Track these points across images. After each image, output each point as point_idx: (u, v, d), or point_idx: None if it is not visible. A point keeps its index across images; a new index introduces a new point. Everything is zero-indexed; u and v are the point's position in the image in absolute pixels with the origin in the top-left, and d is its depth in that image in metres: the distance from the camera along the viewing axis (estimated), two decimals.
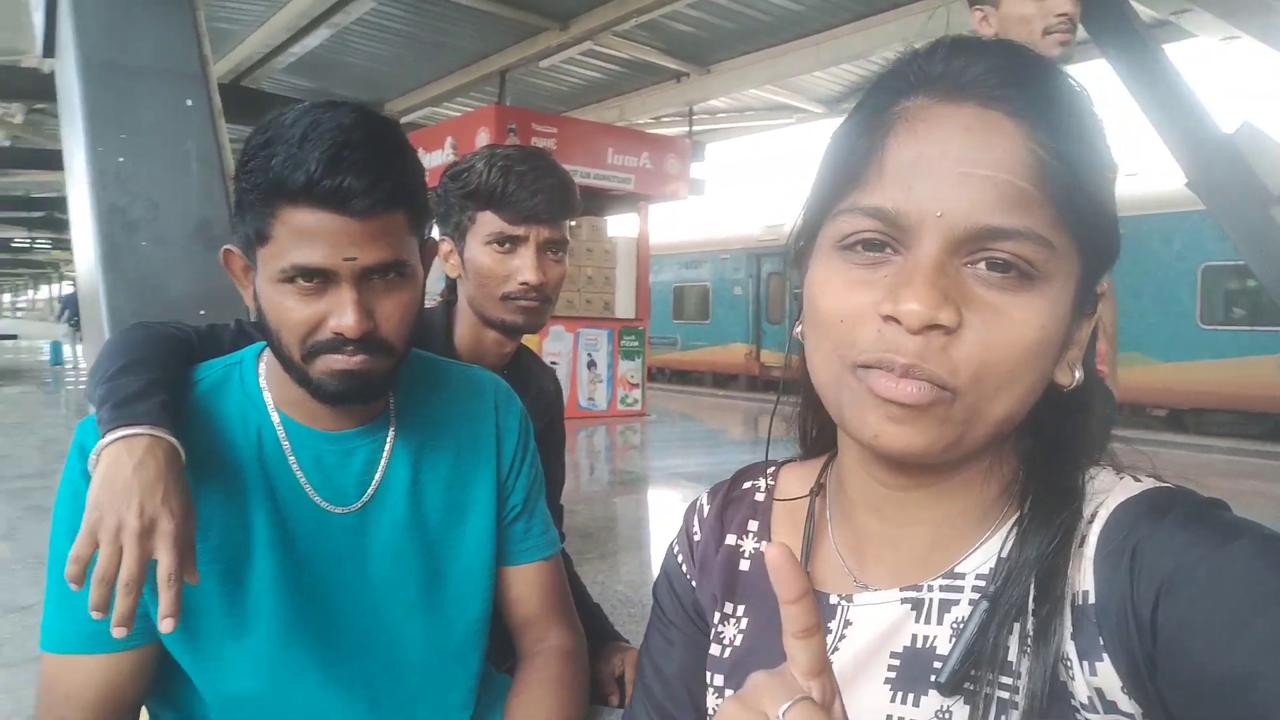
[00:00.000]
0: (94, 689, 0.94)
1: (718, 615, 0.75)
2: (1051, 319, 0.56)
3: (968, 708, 0.57)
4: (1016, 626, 0.57)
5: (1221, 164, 5.96)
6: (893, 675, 0.62)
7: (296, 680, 1.01)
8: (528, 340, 1.66)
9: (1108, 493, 0.59)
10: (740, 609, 0.74)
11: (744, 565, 0.76)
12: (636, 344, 10.74)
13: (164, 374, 1.00)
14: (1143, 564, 0.53)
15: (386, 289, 0.95)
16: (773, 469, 0.80)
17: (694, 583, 0.79)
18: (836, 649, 0.65)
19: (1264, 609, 0.47)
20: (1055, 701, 0.55)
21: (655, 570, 0.86)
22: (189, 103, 2.35)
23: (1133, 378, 10.22)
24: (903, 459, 0.59)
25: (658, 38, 8.92)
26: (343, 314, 0.91)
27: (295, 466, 1.03)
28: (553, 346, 9.73)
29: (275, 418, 1.04)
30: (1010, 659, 0.57)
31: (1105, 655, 0.54)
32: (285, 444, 1.03)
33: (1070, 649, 0.55)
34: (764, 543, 0.75)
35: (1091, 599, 0.55)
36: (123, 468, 0.87)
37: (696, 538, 0.80)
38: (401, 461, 1.09)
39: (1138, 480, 0.59)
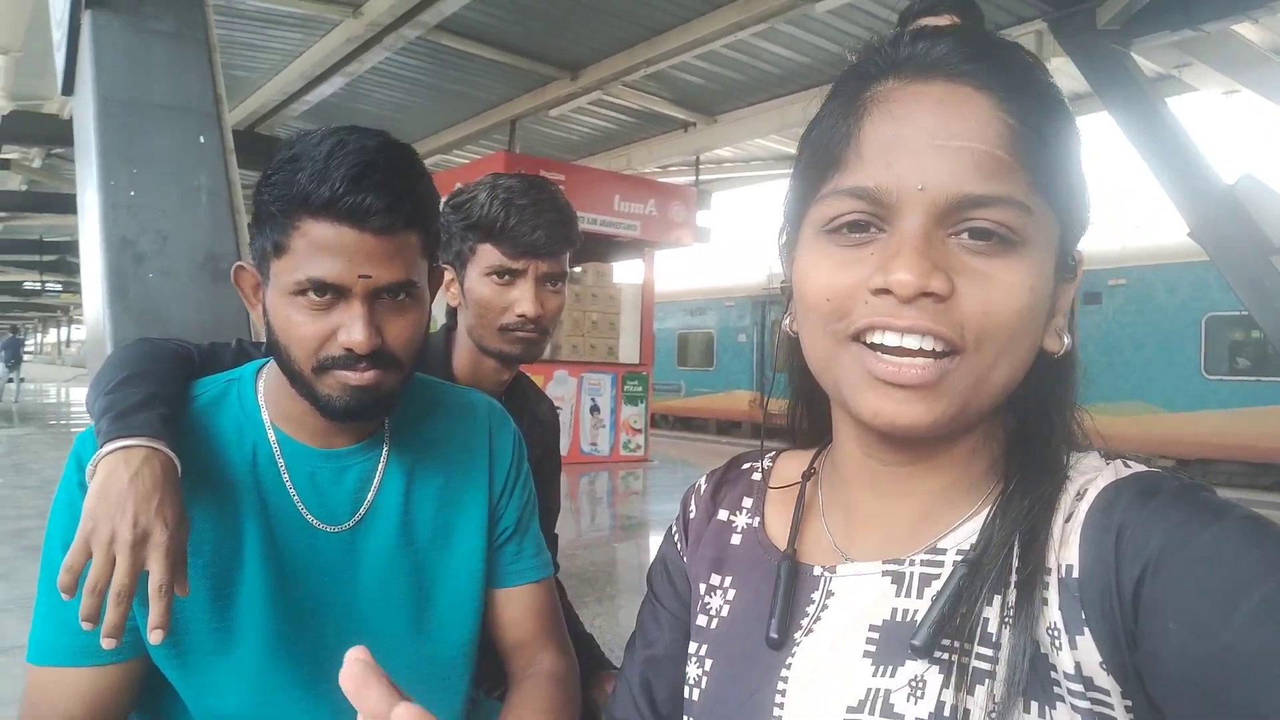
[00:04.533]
0: (80, 702, 0.94)
1: (703, 587, 0.77)
2: (1039, 281, 0.58)
3: (942, 675, 0.57)
4: (998, 599, 0.58)
5: (1223, 214, 6.02)
6: (872, 649, 0.62)
7: (282, 698, 1.00)
8: (533, 380, 1.67)
9: (1097, 472, 0.60)
10: (728, 580, 0.75)
11: (735, 540, 0.77)
12: (640, 389, 10.74)
13: (164, 388, 1.01)
14: (1128, 541, 0.53)
15: (396, 309, 0.97)
16: (772, 454, 0.83)
17: (685, 557, 0.81)
18: (819, 619, 0.66)
19: (1250, 588, 0.48)
20: (1034, 673, 0.55)
21: None
22: (202, 139, 2.40)
23: (1139, 428, 10.15)
24: (905, 435, 0.60)
25: (666, 88, 9.06)
26: (353, 329, 0.93)
27: (289, 484, 1.04)
28: (556, 390, 9.72)
29: (271, 434, 1.05)
30: (991, 630, 0.57)
31: (1086, 629, 0.54)
32: (280, 461, 1.04)
33: (1058, 618, 0.56)
34: (757, 519, 0.77)
35: (1076, 573, 0.56)
36: (119, 478, 0.88)
37: (692, 514, 0.83)
38: (394, 480, 1.09)
39: (1128, 465, 0.60)
